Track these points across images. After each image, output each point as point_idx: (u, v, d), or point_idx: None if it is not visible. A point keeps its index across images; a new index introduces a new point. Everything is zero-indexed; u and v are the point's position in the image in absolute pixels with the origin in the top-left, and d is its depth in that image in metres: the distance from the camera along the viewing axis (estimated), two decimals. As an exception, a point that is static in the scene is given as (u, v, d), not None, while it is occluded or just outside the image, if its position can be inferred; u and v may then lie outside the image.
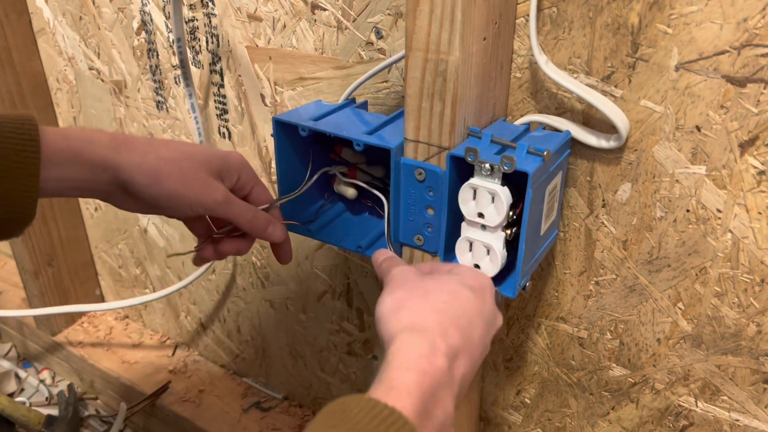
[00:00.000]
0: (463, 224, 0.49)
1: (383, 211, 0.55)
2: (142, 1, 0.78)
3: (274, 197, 0.58)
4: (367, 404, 0.33)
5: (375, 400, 0.33)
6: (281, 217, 0.59)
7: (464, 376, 0.40)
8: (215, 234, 0.58)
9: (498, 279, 0.50)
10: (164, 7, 0.76)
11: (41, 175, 0.48)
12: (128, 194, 0.50)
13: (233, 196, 0.53)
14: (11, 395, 1.09)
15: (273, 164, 0.77)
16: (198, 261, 0.58)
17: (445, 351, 0.38)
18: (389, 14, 0.59)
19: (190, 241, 0.94)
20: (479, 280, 0.46)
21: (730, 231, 0.50)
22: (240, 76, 0.73)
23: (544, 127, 0.54)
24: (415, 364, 0.37)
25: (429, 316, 0.41)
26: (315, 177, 0.57)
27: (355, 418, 0.32)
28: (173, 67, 0.80)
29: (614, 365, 0.61)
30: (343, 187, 0.59)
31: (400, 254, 0.55)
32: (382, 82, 0.62)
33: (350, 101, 0.60)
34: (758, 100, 0.45)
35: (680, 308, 0.55)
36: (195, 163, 0.51)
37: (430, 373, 0.37)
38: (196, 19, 0.73)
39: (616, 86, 0.50)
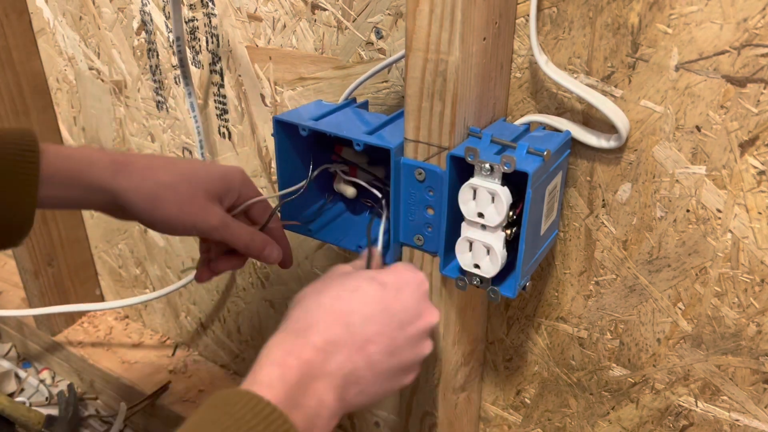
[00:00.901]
0: (463, 224, 0.49)
1: (382, 211, 0.55)
2: (142, 1, 0.78)
3: (275, 200, 0.58)
4: (243, 397, 0.35)
5: (251, 393, 0.36)
6: (280, 226, 0.59)
7: (351, 369, 0.40)
8: (213, 249, 0.58)
9: (498, 279, 0.50)
10: (164, 7, 0.76)
11: (40, 193, 0.49)
12: (125, 213, 0.52)
13: (230, 220, 0.54)
14: (11, 395, 1.09)
15: (273, 164, 0.77)
16: (198, 280, 0.60)
17: (319, 345, 0.40)
18: (389, 14, 0.59)
19: (190, 241, 0.94)
20: (400, 276, 0.45)
21: (730, 231, 0.50)
22: (240, 76, 0.73)
23: (544, 127, 0.54)
24: (280, 360, 0.39)
25: (312, 313, 0.42)
26: (315, 174, 0.57)
27: (233, 410, 0.35)
28: (173, 67, 0.80)
29: (614, 365, 0.61)
30: (343, 185, 0.59)
31: (400, 254, 0.55)
32: (382, 82, 0.62)
33: (351, 101, 0.60)
34: (758, 100, 0.45)
35: (680, 308, 0.55)
36: (193, 187, 0.52)
37: (296, 366, 0.38)
38: (196, 19, 0.73)
39: (616, 86, 0.50)
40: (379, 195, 0.55)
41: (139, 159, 0.52)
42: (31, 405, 1.07)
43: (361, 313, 0.42)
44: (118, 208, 0.51)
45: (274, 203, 0.59)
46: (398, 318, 0.43)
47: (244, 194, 0.56)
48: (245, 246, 0.55)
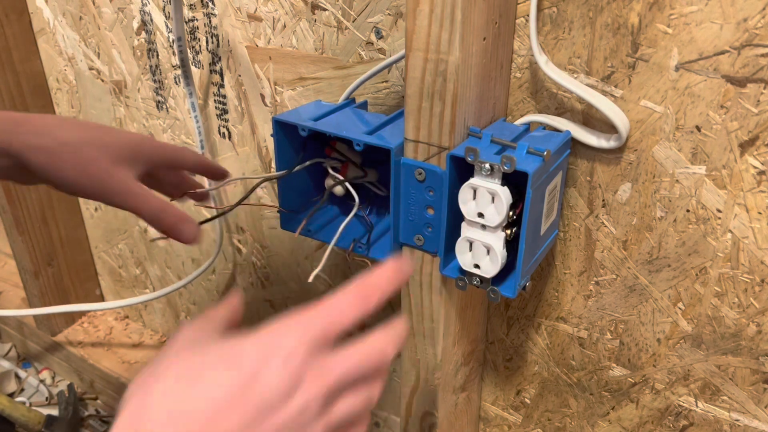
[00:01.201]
0: (463, 224, 0.49)
1: (387, 211, 0.55)
2: (142, 1, 0.78)
3: (268, 199, 0.58)
4: None
5: None
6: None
7: None
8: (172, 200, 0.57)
9: (498, 279, 0.50)
10: (164, 7, 0.76)
11: None
12: (31, 174, 0.49)
13: (137, 187, 0.50)
14: (11, 395, 1.09)
15: (273, 164, 0.77)
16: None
17: None
18: (389, 14, 0.59)
19: (190, 241, 0.94)
20: (265, 345, 0.34)
21: (730, 231, 0.50)
22: (240, 76, 0.73)
23: (544, 127, 0.54)
24: None
25: (140, 417, 0.32)
26: (305, 165, 0.56)
27: None
28: (173, 67, 0.80)
29: (614, 365, 0.61)
30: (331, 183, 0.59)
31: (400, 254, 0.55)
32: (382, 82, 0.62)
33: (350, 101, 0.60)
34: (758, 100, 0.45)
35: (680, 308, 0.55)
36: (96, 150, 0.49)
37: None
38: (196, 19, 0.73)
39: (616, 86, 0.50)
40: (356, 196, 0.54)
41: (40, 117, 0.49)
42: (31, 405, 1.07)
43: (205, 409, 0.31)
44: (22, 169, 0.48)
45: (262, 192, 0.59)
46: (259, 403, 0.32)
47: (158, 159, 0.53)
48: (154, 217, 0.51)
